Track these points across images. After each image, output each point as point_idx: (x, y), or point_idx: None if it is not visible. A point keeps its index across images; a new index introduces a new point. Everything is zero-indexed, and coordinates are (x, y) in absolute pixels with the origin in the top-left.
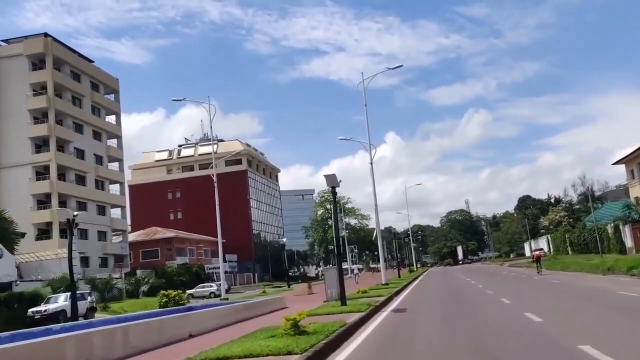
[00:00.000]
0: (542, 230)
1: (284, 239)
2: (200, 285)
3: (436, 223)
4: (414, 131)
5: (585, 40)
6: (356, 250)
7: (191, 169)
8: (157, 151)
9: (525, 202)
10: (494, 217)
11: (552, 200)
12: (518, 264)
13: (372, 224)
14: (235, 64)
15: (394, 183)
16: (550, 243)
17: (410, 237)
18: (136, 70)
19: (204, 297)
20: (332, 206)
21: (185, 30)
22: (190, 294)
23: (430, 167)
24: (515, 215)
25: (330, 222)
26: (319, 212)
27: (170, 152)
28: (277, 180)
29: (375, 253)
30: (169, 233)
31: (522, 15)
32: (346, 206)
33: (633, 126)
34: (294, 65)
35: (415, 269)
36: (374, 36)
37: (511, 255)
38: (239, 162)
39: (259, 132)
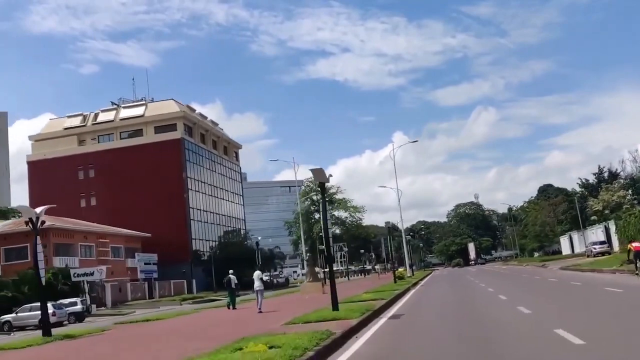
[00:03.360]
0: (593, 217)
1: (268, 238)
2: (27, 306)
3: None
4: (420, 131)
5: (592, 39)
6: (346, 249)
7: (110, 138)
8: (68, 116)
9: (547, 192)
10: (510, 209)
11: (606, 176)
12: (578, 266)
13: (367, 220)
14: (241, 66)
15: (401, 183)
16: (613, 233)
17: (402, 221)
18: (143, 72)
19: (28, 327)
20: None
21: (192, 32)
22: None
23: (437, 167)
24: (547, 201)
25: (317, 215)
26: (304, 204)
27: (85, 117)
28: (237, 160)
29: (368, 253)
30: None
31: (528, 15)
32: (336, 197)
33: None
34: (300, 66)
35: (410, 275)
36: (379, 36)
37: (535, 254)
38: (173, 128)
39: (264, 132)
